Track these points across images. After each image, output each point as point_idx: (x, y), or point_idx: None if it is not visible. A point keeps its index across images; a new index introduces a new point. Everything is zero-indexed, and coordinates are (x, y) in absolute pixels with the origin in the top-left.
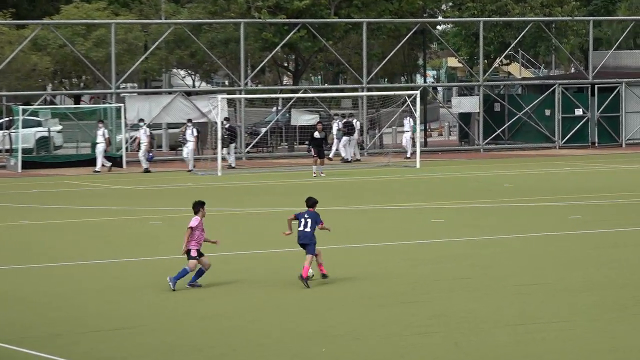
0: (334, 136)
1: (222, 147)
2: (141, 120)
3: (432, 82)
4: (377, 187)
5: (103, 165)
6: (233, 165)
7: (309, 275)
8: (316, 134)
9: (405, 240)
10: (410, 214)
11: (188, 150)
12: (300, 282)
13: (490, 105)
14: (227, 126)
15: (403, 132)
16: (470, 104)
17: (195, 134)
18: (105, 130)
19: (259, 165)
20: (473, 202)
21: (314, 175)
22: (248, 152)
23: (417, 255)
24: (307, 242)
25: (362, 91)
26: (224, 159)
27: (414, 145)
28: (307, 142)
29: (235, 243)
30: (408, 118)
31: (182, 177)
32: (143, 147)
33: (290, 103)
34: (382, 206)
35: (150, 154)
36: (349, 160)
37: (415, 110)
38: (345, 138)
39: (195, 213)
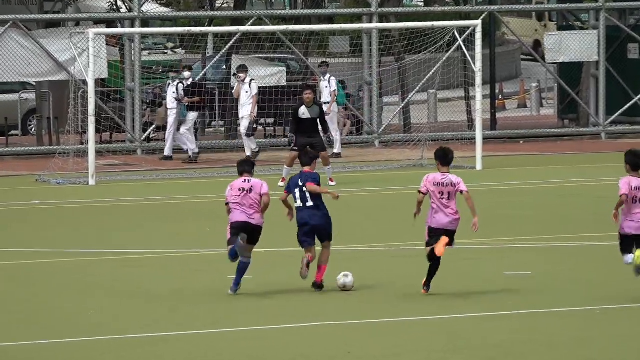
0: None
1: None
2: None
3: (505, 5)
4: (400, 208)
5: None
6: None
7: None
8: (303, 111)
9: (456, 312)
10: (464, 259)
11: None
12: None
13: (620, 48)
14: None
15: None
16: (581, 47)
17: None
18: None
19: (170, 166)
20: (587, 238)
21: (281, 184)
22: (149, 138)
23: (478, 342)
24: (320, 223)
25: (371, 21)
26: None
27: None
28: (271, 123)
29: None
30: (329, 77)
31: (19, 191)
32: None
33: (229, 44)
34: (410, 245)
35: None
36: (193, 158)
37: (474, 60)
38: (191, 117)
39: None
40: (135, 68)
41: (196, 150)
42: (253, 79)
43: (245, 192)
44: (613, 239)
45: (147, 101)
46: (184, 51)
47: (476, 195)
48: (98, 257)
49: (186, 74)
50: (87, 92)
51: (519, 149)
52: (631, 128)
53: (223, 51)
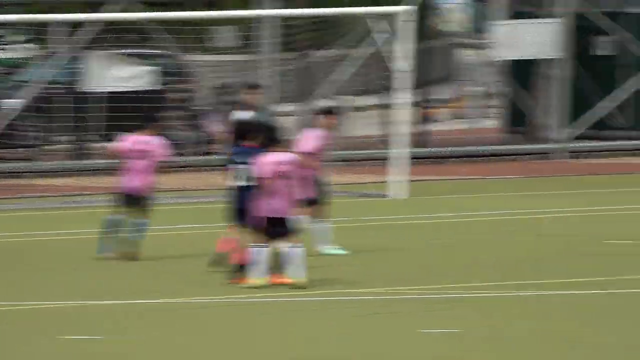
0: None
1: None
2: None
3: None
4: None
5: None
6: None
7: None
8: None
9: None
10: (375, 313)
11: None
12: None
13: (585, 43)
14: None
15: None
16: (537, 40)
17: None
18: None
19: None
20: (529, 287)
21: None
22: None
23: None
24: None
25: (265, 6)
26: None
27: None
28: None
29: None
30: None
31: None
32: None
33: (79, 37)
34: (317, 296)
35: None
36: None
37: (393, 58)
38: None
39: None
40: None
41: None
42: None
43: None
44: (552, 287)
45: None
46: (38, 46)
47: (392, 231)
48: None
49: None
50: None
51: (454, 172)
52: (600, 145)
53: (70, 46)
